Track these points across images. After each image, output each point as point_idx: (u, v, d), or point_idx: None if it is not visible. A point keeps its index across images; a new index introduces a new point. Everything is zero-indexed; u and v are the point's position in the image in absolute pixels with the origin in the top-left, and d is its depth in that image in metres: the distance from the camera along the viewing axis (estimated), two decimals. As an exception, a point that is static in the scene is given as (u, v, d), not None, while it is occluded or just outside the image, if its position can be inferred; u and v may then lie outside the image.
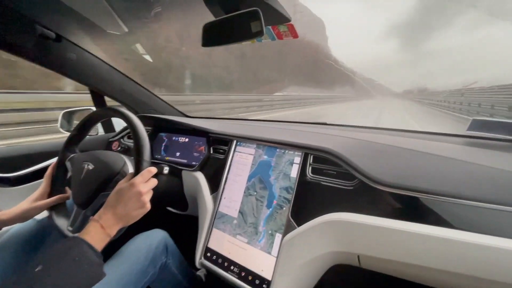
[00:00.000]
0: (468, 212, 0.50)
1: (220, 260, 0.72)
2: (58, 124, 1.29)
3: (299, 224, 0.63)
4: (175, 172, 0.91)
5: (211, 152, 0.89)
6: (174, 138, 1.02)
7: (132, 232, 0.74)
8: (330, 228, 0.59)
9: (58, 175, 0.75)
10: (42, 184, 0.73)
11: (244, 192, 0.76)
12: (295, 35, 0.70)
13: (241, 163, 0.80)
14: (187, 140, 0.99)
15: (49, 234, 0.75)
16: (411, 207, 0.54)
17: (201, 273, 0.96)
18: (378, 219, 0.55)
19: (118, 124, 1.24)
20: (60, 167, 0.76)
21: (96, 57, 1.00)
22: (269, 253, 0.65)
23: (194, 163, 0.91)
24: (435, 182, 0.54)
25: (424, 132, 0.91)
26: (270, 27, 0.69)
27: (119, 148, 1.05)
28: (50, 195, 0.73)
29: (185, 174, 0.90)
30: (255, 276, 0.65)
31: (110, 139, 1.11)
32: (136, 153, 0.61)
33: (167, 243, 0.76)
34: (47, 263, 0.43)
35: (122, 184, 0.57)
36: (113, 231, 0.53)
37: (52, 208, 0.72)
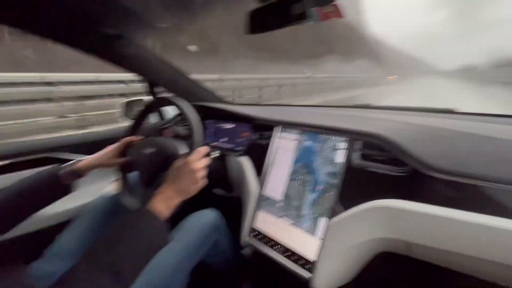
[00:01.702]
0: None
1: (265, 240, 0.76)
2: (117, 113, 1.45)
3: (346, 209, 0.64)
4: (221, 157, 0.97)
5: (256, 138, 0.92)
6: (220, 125, 1.08)
7: (184, 213, 0.82)
8: (379, 215, 0.58)
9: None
10: (113, 145, 0.80)
11: (289, 177, 0.78)
12: (341, 15, 0.67)
13: (285, 148, 0.82)
14: (232, 126, 1.03)
15: (118, 210, 0.87)
16: (470, 196, 0.51)
17: (246, 251, 1.02)
18: (433, 207, 0.53)
19: (168, 113, 1.34)
20: (123, 153, 0.86)
21: (150, 50, 1.08)
22: (314, 235, 0.67)
23: (239, 148, 0.96)
24: (499, 169, 0.49)
25: (485, 114, 0.81)
26: (315, 8, 0.67)
27: (171, 135, 1.15)
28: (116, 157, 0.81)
29: (231, 159, 0.95)
30: (299, 256, 0.68)
31: (161, 127, 1.21)
32: (191, 136, 0.68)
33: (218, 223, 0.83)
34: (120, 233, 0.50)
35: (179, 162, 0.64)
36: (173, 203, 0.59)
37: (121, 187, 0.83)
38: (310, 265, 0.65)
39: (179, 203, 0.62)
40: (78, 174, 0.75)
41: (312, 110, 1.11)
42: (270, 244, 0.74)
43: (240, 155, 0.92)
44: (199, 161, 0.63)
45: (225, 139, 1.04)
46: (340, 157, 0.69)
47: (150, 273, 0.55)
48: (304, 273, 0.65)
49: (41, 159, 0.92)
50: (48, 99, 4.56)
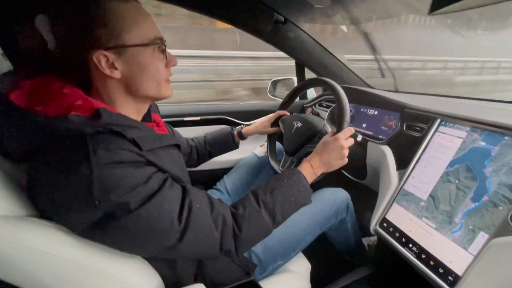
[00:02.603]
0: None
1: (397, 234, 0.73)
2: (268, 90, 1.68)
3: (522, 232, 0.51)
4: (361, 142, 0.97)
5: (404, 128, 0.85)
6: (362, 109, 1.06)
7: (319, 186, 0.90)
8: None
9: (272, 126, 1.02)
10: (267, 117, 1.01)
11: (441, 177, 0.69)
12: None
13: (442, 145, 0.72)
14: (376, 113, 0.99)
15: (264, 168, 1.07)
16: None
17: (366, 240, 1.01)
18: None
19: (310, 93, 1.43)
20: (274, 123, 1.02)
21: (306, 33, 1.17)
22: (465, 248, 0.59)
23: (380, 136, 0.92)
24: None
25: None
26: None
27: (311, 114, 1.24)
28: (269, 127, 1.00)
29: (371, 146, 0.93)
30: (439, 264, 0.62)
31: (304, 105, 1.32)
32: (339, 114, 0.72)
33: (348, 203, 0.86)
34: (276, 182, 0.62)
35: (327, 137, 0.71)
36: (318, 172, 0.68)
37: (268, 151, 1.01)
38: (452, 278, 0.59)
39: (321, 175, 0.70)
40: (243, 136, 0.98)
41: (486, 104, 0.89)
42: (403, 241, 0.71)
43: (382, 143, 0.88)
44: (346, 140, 0.67)
45: (364, 125, 1.01)
46: (531, 168, 0.54)
47: (287, 225, 0.67)
48: (443, 284, 0.59)
49: (217, 119, 1.25)
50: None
